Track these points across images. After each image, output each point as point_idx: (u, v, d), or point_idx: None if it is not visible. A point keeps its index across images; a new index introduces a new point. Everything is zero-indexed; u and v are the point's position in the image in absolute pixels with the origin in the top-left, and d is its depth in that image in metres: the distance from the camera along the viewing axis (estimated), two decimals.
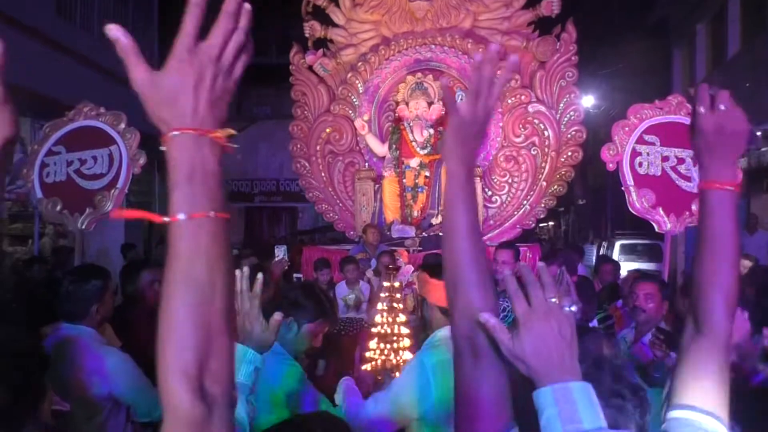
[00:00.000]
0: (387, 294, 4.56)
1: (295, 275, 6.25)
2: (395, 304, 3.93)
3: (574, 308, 0.96)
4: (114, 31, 0.73)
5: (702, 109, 1.15)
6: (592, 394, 0.91)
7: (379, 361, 3.10)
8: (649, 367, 2.71)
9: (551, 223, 26.06)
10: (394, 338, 3.77)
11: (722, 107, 1.14)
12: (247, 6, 0.76)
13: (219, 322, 0.73)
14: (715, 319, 1.13)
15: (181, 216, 0.72)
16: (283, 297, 2.23)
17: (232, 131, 0.77)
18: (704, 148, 1.16)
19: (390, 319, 4.49)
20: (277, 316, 1.63)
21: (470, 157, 1.08)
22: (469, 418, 1.04)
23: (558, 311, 0.95)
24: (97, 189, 4.43)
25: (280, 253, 4.84)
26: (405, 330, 3.21)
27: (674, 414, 1.12)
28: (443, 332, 2.29)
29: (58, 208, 4.50)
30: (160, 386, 0.71)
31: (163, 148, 0.74)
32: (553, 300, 0.95)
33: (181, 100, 0.73)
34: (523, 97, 7.67)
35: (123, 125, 4.48)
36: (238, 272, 1.60)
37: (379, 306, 4.83)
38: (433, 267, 2.26)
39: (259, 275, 1.64)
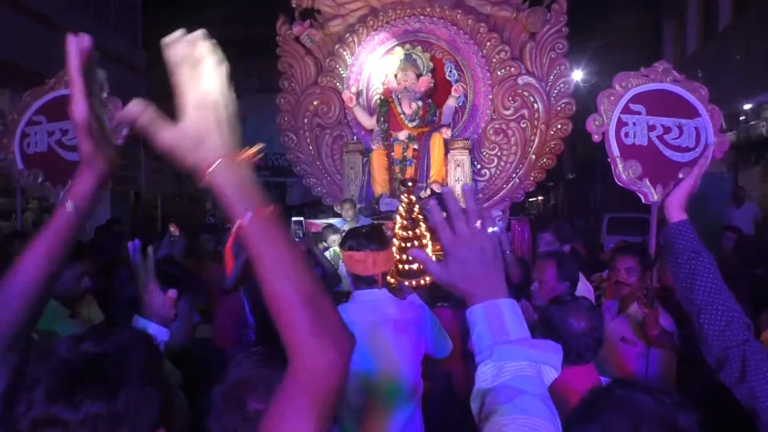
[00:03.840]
0: (406, 205, 5.22)
1: None
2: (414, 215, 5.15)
3: (496, 229, 1.01)
4: (130, 112, 0.83)
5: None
6: (517, 309, 0.98)
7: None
8: None
9: (540, 198, 26.11)
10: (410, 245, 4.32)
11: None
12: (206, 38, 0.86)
13: (313, 284, 0.85)
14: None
15: (248, 215, 0.83)
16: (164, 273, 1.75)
17: (260, 145, 0.90)
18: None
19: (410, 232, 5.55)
20: (171, 293, 1.59)
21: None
22: None
23: (480, 235, 0.99)
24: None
25: None
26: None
27: None
28: None
29: (40, 179, 4.40)
30: (292, 355, 0.83)
31: (203, 184, 0.85)
32: (476, 225, 0.99)
33: (210, 138, 0.85)
34: (512, 69, 7.60)
35: (104, 94, 4.38)
36: (130, 244, 1.67)
37: (398, 219, 5.36)
38: None
39: (149, 249, 1.64)
